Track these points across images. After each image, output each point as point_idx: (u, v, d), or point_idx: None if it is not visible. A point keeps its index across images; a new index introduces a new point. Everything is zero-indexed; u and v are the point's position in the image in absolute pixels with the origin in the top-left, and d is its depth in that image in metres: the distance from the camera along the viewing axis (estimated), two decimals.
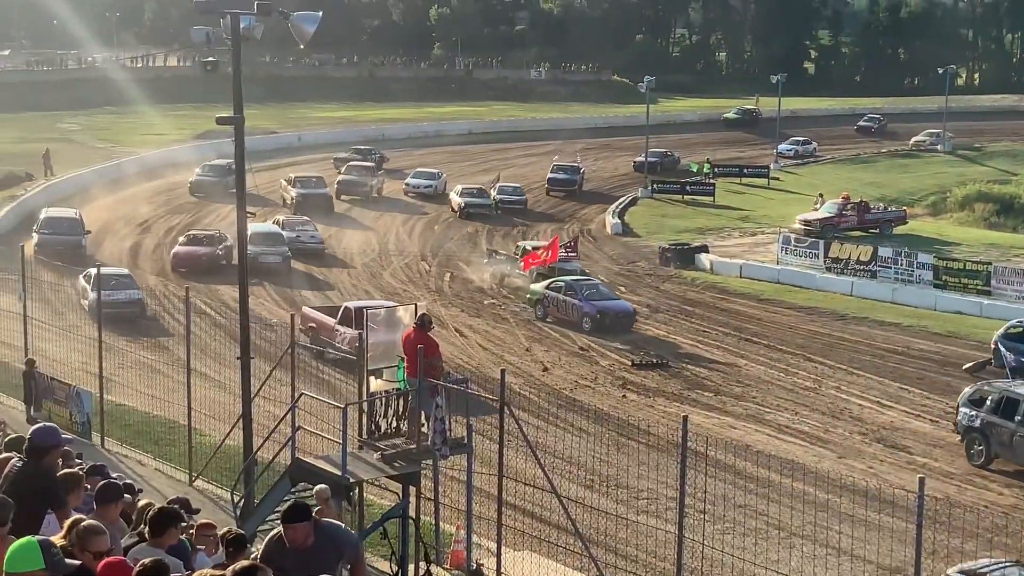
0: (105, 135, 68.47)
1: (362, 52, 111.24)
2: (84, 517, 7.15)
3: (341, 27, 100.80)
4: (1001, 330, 27.48)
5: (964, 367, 27.81)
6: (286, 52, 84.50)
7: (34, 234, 35.69)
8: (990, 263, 38.46)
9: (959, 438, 22.14)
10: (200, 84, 47.52)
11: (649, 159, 60.69)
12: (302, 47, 18.75)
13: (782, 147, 68.90)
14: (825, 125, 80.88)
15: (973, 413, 21.66)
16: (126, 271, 32.99)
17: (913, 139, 75.66)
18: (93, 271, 27.59)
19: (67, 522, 6.97)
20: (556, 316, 32.05)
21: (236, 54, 14.45)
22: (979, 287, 36.24)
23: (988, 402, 21.73)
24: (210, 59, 17.31)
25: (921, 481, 11.49)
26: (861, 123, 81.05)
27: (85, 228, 38.01)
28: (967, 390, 23.03)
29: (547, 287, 32.55)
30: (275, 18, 14.40)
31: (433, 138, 73.93)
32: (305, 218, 41.74)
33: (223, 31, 14.98)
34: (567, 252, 36.62)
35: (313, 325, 27.00)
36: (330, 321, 26.59)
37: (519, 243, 40.81)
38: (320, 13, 14.79)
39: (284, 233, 38.43)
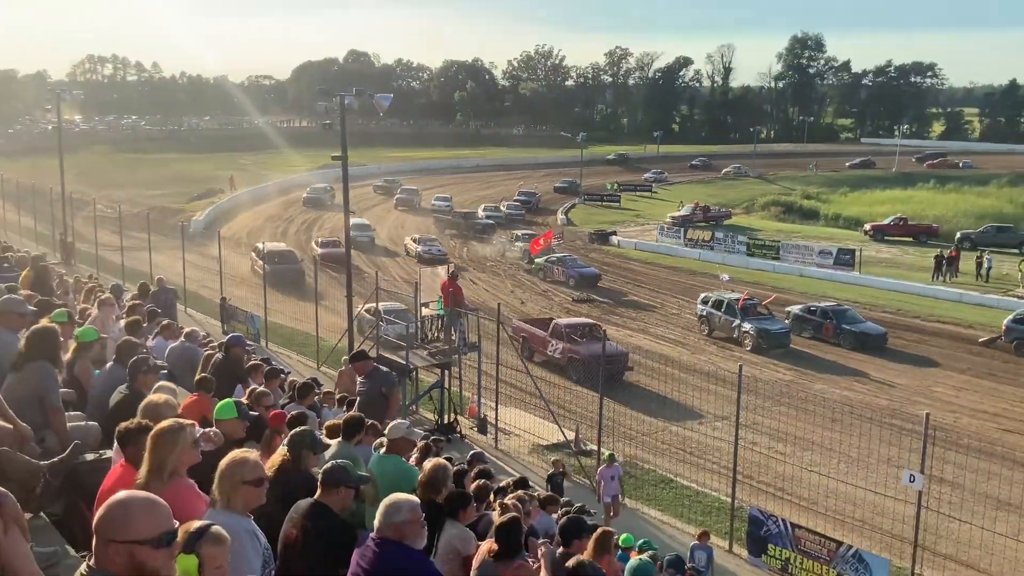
0: (266, 167, 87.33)
1: (415, 117, 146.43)
2: (258, 387, 8.99)
3: (402, 102, 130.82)
4: (1010, 317, 30.91)
5: (979, 340, 30.67)
6: (372, 116, 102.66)
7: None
8: (779, 241, 49.82)
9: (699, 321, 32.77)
10: (320, 136, 59.69)
11: (564, 183, 79.06)
12: (381, 114, 23.54)
13: (647, 175, 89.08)
14: (681, 162, 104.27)
15: (703, 307, 32.45)
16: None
17: (723, 170, 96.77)
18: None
19: (248, 390, 8.81)
20: (552, 278, 40.62)
21: (342, 119, 19.66)
22: (773, 255, 47.07)
23: (709, 303, 32.18)
24: (327, 121, 22.64)
25: (740, 367, 17.94)
26: (693, 163, 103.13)
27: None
28: (701, 295, 33.78)
29: (546, 260, 41.56)
30: (366, 97, 19.75)
31: (455, 169, 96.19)
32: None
33: (336, 105, 20.30)
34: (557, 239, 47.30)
35: (524, 335, 27.19)
36: (541, 333, 26.77)
37: (515, 233, 50.18)
38: (392, 95, 20.42)
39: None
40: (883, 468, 17.74)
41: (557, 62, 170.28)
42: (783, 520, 14.16)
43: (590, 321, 28.51)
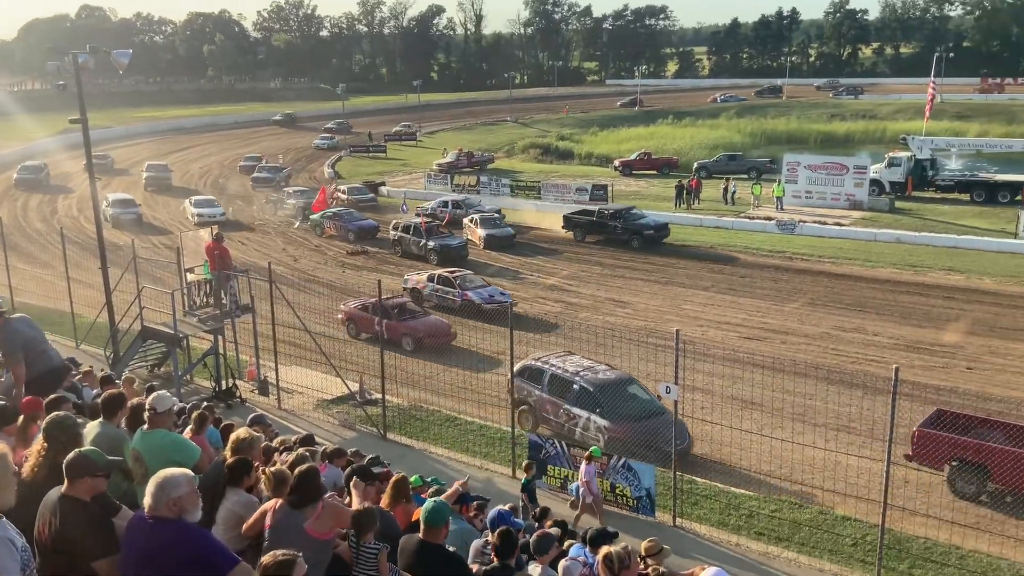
0: None
1: (162, 74, 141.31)
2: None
3: (146, 58, 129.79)
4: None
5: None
6: (113, 75, 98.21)
7: None
8: (539, 181, 51.73)
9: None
10: (58, 99, 51.09)
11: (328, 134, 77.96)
12: (121, 72, 21.68)
13: (398, 127, 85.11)
14: (443, 110, 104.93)
15: (395, 232, 36.12)
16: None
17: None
18: None
19: None
20: (330, 233, 39.52)
21: (78, 79, 17.59)
22: (535, 195, 48.65)
23: (399, 228, 34.70)
24: (61, 83, 20.19)
25: (510, 307, 18.42)
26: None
27: None
28: (392, 222, 37.18)
29: (322, 216, 40.19)
30: (102, 54, 17.94)
31: (210, 127, 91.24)
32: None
33: (69, 64, 18.21)
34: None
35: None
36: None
37: (288, 190, 47.62)
38: (131, 51, 18.69)
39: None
40: (646, 383, 18.95)
41: (309, 12, 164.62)
42: (560, 442, 14.86)
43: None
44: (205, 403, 11.36)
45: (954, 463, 15.13)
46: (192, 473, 4.71)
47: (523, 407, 17.97)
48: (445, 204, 42.03)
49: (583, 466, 13.56)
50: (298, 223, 42.12)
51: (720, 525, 13.74)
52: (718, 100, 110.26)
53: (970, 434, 15.35)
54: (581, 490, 13.45)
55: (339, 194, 46.22)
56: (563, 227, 38.63)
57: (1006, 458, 14.23)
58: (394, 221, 37.44)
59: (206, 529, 5.09)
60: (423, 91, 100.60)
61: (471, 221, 38.54)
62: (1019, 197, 43.11)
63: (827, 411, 17.99)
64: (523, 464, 13.94)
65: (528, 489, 12.99)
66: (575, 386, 17.51)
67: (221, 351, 19.30)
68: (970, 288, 29.53)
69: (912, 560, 12.48)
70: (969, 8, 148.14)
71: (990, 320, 26.00)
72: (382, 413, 17.52)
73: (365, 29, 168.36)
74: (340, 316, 25.04)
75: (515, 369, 17.52)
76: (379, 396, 17.88)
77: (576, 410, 17.30)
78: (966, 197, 44.80)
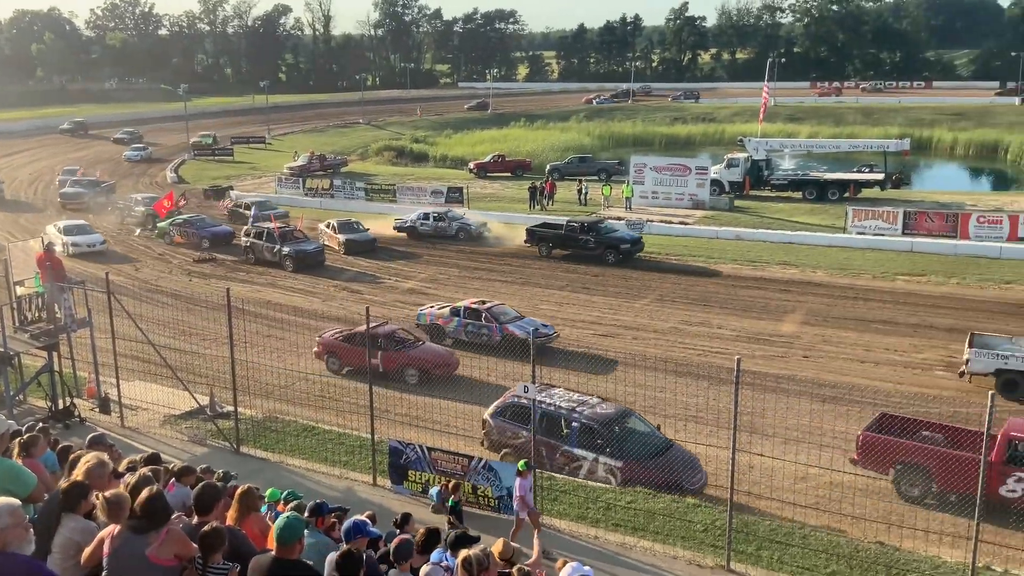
0: None
1: None
2: None
3: None
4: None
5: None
6: None
7: None
8: (394, 184, 51.50)
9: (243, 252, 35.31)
10: None
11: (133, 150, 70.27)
12: None
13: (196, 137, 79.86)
14: (293, 112, 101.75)
15: (246, 239, 34.62)
16: None
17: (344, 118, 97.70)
18: None
19: None
20: (179, 242, 37.56)
21: None
22: (391, 198, 48.67)
23: (251, 234, 32.12)
24: None
25: (367, 309, 18.01)
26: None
27: None
28: (244, 228, 35.96)
29: (171, 223, 38.04)
30: None
31: (41, 130, 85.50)
32: None
33: None
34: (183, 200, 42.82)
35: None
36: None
37: (135, 196, 44.87)
38: None
39: None
40: (504, 383, 19.14)
41: (146, 10, 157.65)
42: (420, 446, 14.78)
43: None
44: (41, 424, 10.58)
45: (898, 467, 15.48)
46: (16, 503, 4.37)
47: (506, 451, 16.41)
48: (426, 217, 39.79)
49: (517, 481, 12.76)
50: (140, 231, 40.16)
51: (579, 519, 14.01)
52: (594, 102, 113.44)
53: (914, 438, 15.62)
54: (516, 506, 12.81)
55: (240, 211, 42.52)
56: (525, 241, 36.51)
57: (946, 461, 14.67)
58: (245, 227, 36.26)
59: (40, 560, 4.75)
60: (271, 92, 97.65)
61: (327, 226, 37.76)
62: (847, 194, 46.21)
63: (676, 402, 18.66)
64: (449, 484, 13.20)
65: (455, 511, 12.46)
66: (574, 424, 16.02)
67: (57, 368, 18.09)
68: (804, 281, 31.40)
69: (759, 542, 13.11)
70: (799, 16, 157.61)
71: (823, 310, 27.71)
72: (235, 426, 16.90)
73: (208, 28, 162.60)
74: (315, 349, 22.67)
75: (493, 408, 16.70)
76: (231, 409, 17.25)
77: (579, 451, 15.84)
78: (799, 195, 47.56)
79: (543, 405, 15.98)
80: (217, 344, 21.75)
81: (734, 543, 12.65)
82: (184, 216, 39.78)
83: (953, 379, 21.59)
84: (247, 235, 35.41)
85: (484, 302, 25.12)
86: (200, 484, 6.58)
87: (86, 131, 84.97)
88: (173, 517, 5.91)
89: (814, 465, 15.51)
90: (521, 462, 13.17)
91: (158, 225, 39.05)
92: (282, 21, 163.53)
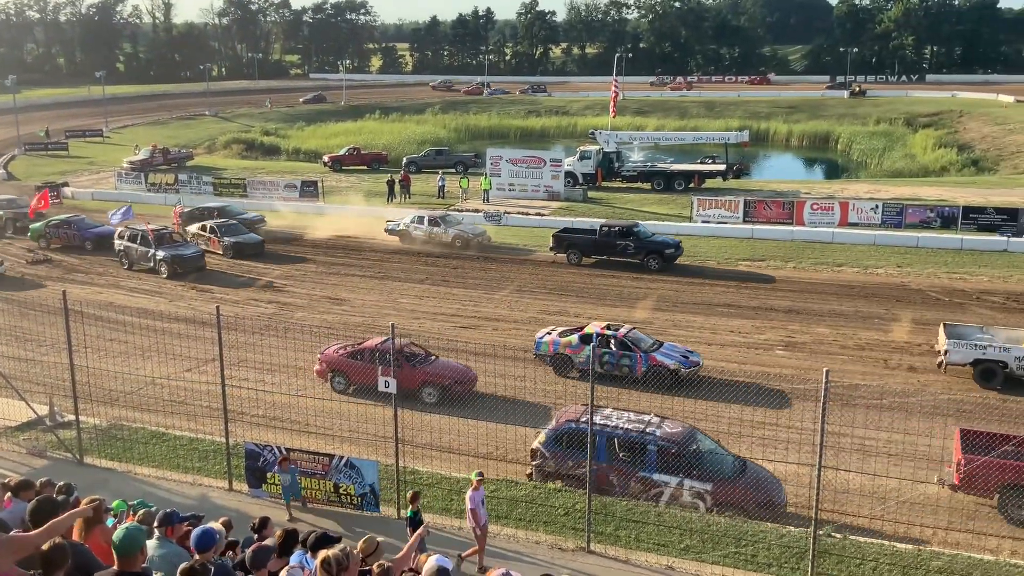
0: None
1: None
2: None
3: None
4: None
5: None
6: None
7: None
8: (245, 178, 50.04)
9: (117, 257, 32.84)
10: None
11: None
12: None
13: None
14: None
15: (120, 243, 31.80)
16: None
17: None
18: None
19: None
20: (61, 243, 35.24)
21: None
22: (241, 193, 47.27)
23: (125, 237, 31.90)
24: None
25: (217, 308, 17.31)
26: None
27: None
28: (117, 230, 33.08)
29: (47, 224, 35.53)
30: None
31: None
32: None
33: None
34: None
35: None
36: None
37: None
38: None
39: None
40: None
41: None
42: (278, 447, 14.42)
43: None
44: None
45: (1005, 489, 14.46)
46: None
47: (557, 481, 14.93)
48: (420, 220, 36.29)
49: (469, 492, 12.16)
50: (10, 232, 37.17)
51: (444, 512, 14.04)
52: (486, 94, 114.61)
53: (999, 454, 14.60)
54: (469, 521, 12.22)
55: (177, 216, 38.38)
56: (551, 247, 33.49)
57: None
58: (119, 229, 33.41)
59: None
60: (108, 83, 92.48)
61: (203, 228, 35.19)
62: (692, 185, 48.13)
63: (535, 390, 18.99)
64: (408, 494, 12.26)
65: (414, 522, 11.70)
66: (650, 447, 14.70)
67: None
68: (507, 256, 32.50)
69: (617, 522, 13.52)
70: (643, 12, 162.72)
71: (672, 296, 28.83)
72: (77, 436, 15.97)
73: (37, 16, 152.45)
74: (317, 368, 20.61)
75: (545, 436, 15.27)
76: (72, 418, 16.29)
77: (659, 477, 14.58)
78: (648, 186, 49.17)
79: (607, 429, 14.90)
80: (55, 350, 20.57)
81: (594, 524, 13.00)
82: (62, 216, 36.87)
83: (790, 358, 22.91)
84: (120, 237, 32.79)
85: (615, 326, 21.93)
86: (35, 499, 6.19)
87: None
88: (11, 533, 5.54)
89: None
90: (474, 472, 12.55)
91: (31, 227, 35.94)
92: (119, 9, 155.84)
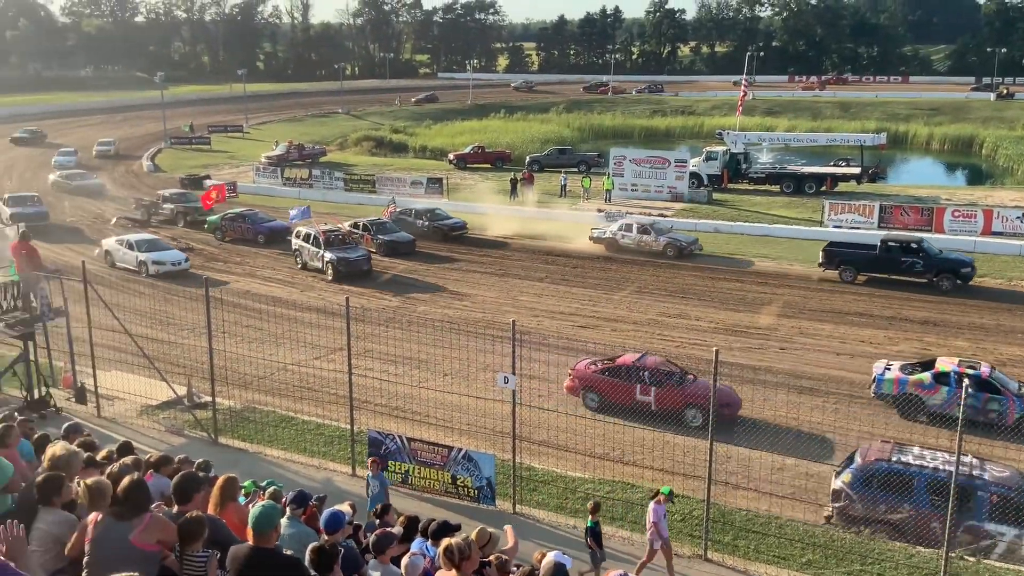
0: None
1: None
2: None
3: None
4: None
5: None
6: None
7: None
8: (373, 175, 51.06)
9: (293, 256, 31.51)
10: None
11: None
12: None
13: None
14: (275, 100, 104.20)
15: (296, 241, 32.74)
16: None
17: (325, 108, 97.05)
18: None
19: None
20: (233, 236, 36.32)
21: None
22: (370, 189, 48.44)
23: (300, 236, 31.94)
24: None
25: (347, 299, 17.82)
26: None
27: None
28: (295, 229, 33.82)
29: (223, 217, 36.86)
30: None
31: (17, 117, 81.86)
32: None
33: None
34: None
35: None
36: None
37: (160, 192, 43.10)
38: None
39: None
40: (483, 375, 19.18)
41: None
42: (399, 436, 14.78)
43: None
44: (16, 414, 10.49)
45: None
46: None
47: (863, 528, 13.66)
48: (628, 227, 34.82)
49: (651, 506, 11.91)
50: (181, 225, 39.44)
51: (558, 509, 14.08)
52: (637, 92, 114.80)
53: None
54: (648, 535, 11.90)
55: (408, 219, 37.77)
56: (820, 263, 30.53)
57: None
58: (297, 228, 33.44)
59: (4, 561, 4.69)
60: (249, 81, 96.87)
61: (355, 226, 35.08)
62: (824, 188, 46.53)
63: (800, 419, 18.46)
64: (588, 505, 12.14)
65: (594, 533, 11.71)
66: (980, 494, 13.19)
67: (32, 358, 17.86)
68: (781, 273, 31.60)
69: (736, 531, 13.24)
70: (777, 10, 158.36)
71: (799, 303, 27.92)
72: (212, 416, 16.82)
73: (184, 15, 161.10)
74: (567, 383, 19.52)
75: (851, 475, 13.99)
76: (209, 399, 17.17)
77: (993, 527, 13.02)
78: (776, 188, 47.83)
79: (925, 470, 13.56)
80: (195, 334, 21.67)
81: (712, 532, 12.77)
82: (237, 210, 38.31)
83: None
84: (296, 236, 32.80)
85: (972, 363, 19.18)
86: (180, 473, 6.55)
87: (43, 142, 69.66)
88: (153, 507, 5.89)
89: (792, 455, 15.68)
90: (665, 487, 12.23)
91: (208, 219, 37.38)
92: (260, 9, 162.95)
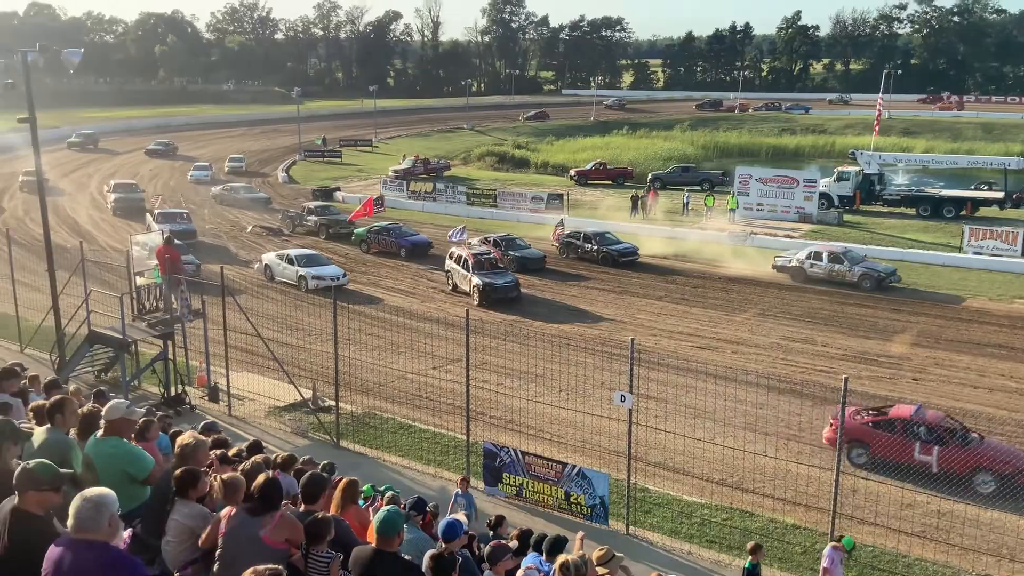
0: None
1: (113, 74, 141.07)
2: None
3: (97, 58, 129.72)
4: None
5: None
6: (63, 75, 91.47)
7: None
8: (495, 189, 51.33)
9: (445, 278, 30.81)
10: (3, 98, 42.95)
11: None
12: (71, 71, 21.11)
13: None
14: (398, 116, 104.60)
15: (448, 262, 31.41)
16: None
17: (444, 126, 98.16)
18: None
19: None
20: (377, 249, 37.18)
21: (27, 77, 16.89)
22: (491, 203, 48.54)
23: (453, 258, 31.85)
24: (9, 81, 19.68)
25: (467, 312, 18.16)
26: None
27: None
28: (450, 251, 32.71)
29: (368, 230, 38.04)
30: (52, 53, 17.45)
31: (161, 128, 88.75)
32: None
33: (17, 62, 17.69)
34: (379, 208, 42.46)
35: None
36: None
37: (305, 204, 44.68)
38: (82, 50, 18.22)
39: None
40: (598, 392, 19.07)
41: (264, 15, 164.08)
42: (514, 450, 14.85)
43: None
44: (154, 409, 11.10)
45: None
46: (111, 495, 4.50)
47: None
48: (818, 255, 32.52)
49: (827, 549, 11.51)
50: (323, 237, 40.54)
51: (672, 533, 13.82)
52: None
53: None
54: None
55: (576, 243, 36.65)
56: None
57: None
58: (452, 249, 32.75)
59: (134, 557, 4.92)
60: (379, 97, 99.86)
61: (484, 241, 34.77)
62: (963, 212, 44.26)
63: (777, 420, 18.21)
64: (748, 545, 11.65)
65: (753, 573, 11.26)
66: None
67: (171, 357, 18.92)
68: (915, 300, 30.16)
69: (860, 568, 12.68)
70: (917, 27, 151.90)
71: (935, 332, 26.58)
72: (335, 420, 17.33)
73: (321, 33, 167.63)
74: (827, 433, 17.15)
75: None
76: (332, 403, 17.70)
77: None
78: (912, 212, 45.80)
79: None
80: (321, 340, 22.41)
81: None
82: (383, 223, 39.23)
83: None
84: (449, 258, 32.05)
85: None
86: (308, 474, 6.77)
87: (95, 145, 74.81)
88: (283, 503, 6.10)
89: (921, 491, 14.92)
90: (848, 538, 11.77)
91: (355, 232, 38.60)
92: (392, 27, 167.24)
